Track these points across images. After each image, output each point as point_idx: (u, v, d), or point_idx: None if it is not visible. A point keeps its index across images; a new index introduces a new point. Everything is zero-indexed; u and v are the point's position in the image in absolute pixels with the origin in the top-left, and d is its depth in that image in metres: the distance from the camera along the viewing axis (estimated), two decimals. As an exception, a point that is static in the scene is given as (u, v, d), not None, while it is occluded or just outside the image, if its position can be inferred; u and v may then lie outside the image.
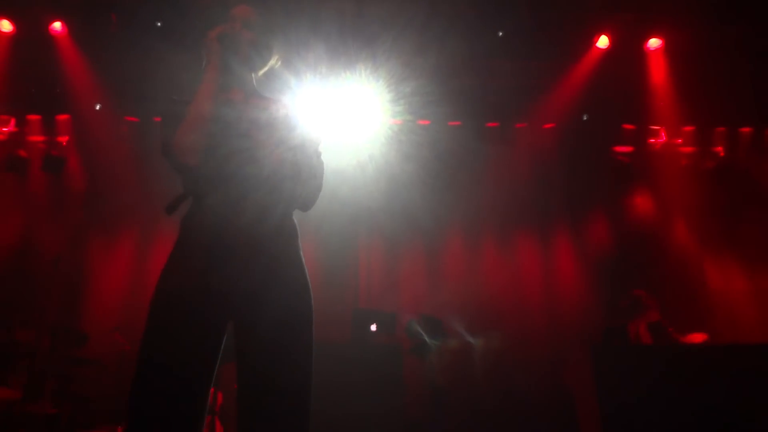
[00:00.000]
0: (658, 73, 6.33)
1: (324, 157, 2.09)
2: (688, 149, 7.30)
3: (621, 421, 3.88)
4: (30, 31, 6.06)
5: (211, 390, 4.87)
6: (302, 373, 1.85)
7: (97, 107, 6.87)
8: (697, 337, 4.92)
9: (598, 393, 3.98)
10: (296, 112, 2.08)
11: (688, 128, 7.14)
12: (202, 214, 1.93)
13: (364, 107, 6.36)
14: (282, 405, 1.79)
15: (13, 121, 7.18)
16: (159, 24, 5.91)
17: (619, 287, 5.77)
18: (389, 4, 5.61)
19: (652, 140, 7.29)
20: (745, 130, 7.21)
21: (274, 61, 2.22)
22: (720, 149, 7.27)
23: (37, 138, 7.19)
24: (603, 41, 6.10)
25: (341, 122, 6.38)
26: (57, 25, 6.04)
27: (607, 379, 4.04)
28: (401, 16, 5.63)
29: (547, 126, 7.24)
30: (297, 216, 2.06)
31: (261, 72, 2.21)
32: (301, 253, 2.01)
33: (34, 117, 7.13)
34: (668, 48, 6.18)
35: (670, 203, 7.18)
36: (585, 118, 7.06)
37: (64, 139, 7.17)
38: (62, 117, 7.13)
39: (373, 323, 5.32)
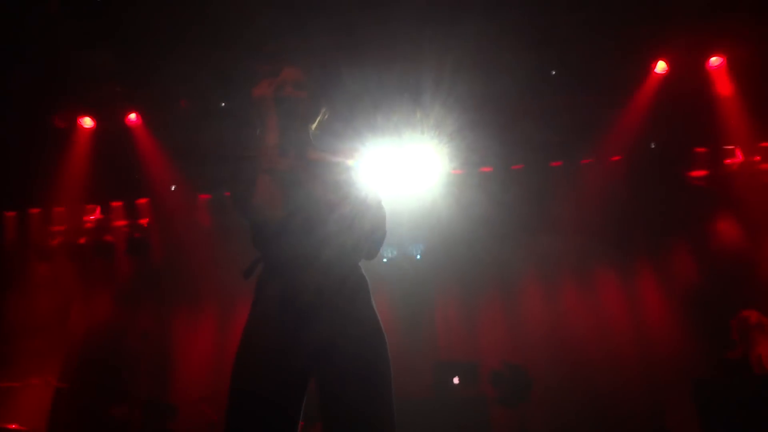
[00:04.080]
0: (725, 91, 6.10)
1: (386, 207, 2.12)
2: (768, 165, 6.92)
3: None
4: (109, 124, 6.52)
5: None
6: (385, 420, 1.84)
7: (173, 188, 7.27)
8: None
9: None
10: (355, 163, 2.13)
11: (765, 143, 6.78)
12: (273, 275, 2.00)
13: (424, 160, 6.42)
14: None
15: (98, 209, 7.68)
16: (223, 104, 6.25)
17: (715, 317, 5.40)
18: (442, 57, 5.71)
19: (728, 161, 6.96)
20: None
21: (322, 115, 2.30)
22: (803, 161, 6.85)
23: (121, 222, 7.65)
24: (661, 66, 5.96)
25: (402, 176, 6.46)
26: (132, 116, 6.47)
27: (715, 418, 3.75)
28: (455, 69, 5.72)
29: (615, 159, 7.06)
30: (368, 272, 2.09)
31: (314, 126, 2.28)
32: (373, 303, 2.03)
33: (116, 203, 7.62)
34: (731, 64, 5.97)
35: (757, 223, 6.77)
36: (653, 146, 6.85)
37: (145, 222, 7.59)
38: (142, 201, 7.58)
39: (455, 375, 5.19)
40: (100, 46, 5.59)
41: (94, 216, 7.70)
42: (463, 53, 5.59)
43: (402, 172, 6.46)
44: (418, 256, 6.47)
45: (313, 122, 2.26)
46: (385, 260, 6.77)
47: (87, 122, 6.51)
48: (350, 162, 2.14)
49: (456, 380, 5.23)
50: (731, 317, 4.91)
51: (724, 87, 6.10)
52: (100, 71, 5.89)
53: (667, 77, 6.03)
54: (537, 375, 5.50)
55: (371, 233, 2.06)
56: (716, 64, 6.02)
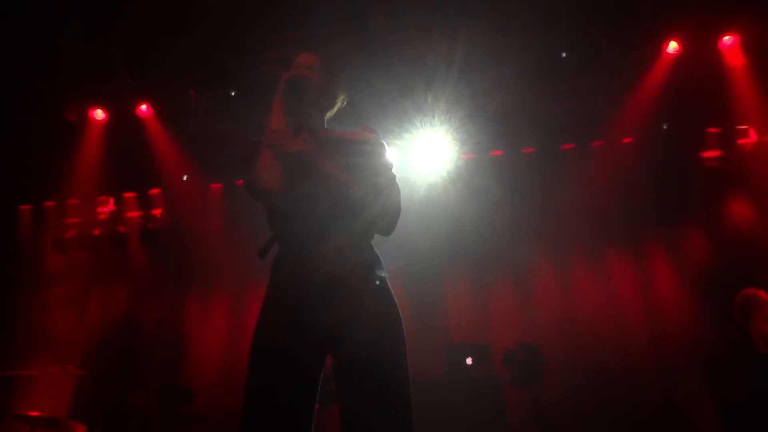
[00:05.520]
0: (738, 71, 6.03)
1: (400, 185, 2.13)
2: (783, 145, 6.84)
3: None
4: (120, 116, 6.56)
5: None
6: (400, 396, 1.85)
7: (185, 178, 7.32)
8: None
9: (718, 409, 3.70)
10: (368, 147, 2.13)
11: (780, 123, 6.71)
12: (288, 255, 2.01)
13: (435, 144, 6.42)
14: (384, 429, 1.79)
15: (111, 201, 7.75)
16: (233, 93, 6.26)
17: (727, 297, 5.38)
18: (452, 42, 5.69)
19: (741, 141, 6.89)
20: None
21: (340, 102, 2.30)
22: (817, 139, 6.76)
23: (134, 213, 7.72)
24: (673, 46, 5.90)
25: (413, 160, 6.46)
26: (143, 107, 6.51)
27: (727, 394, 3.75)
28: (465, 53, 5.70)
29: (626, 140, 7.02)
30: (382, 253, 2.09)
31: (330, 113, 2.29)
32: (388, 281, 2.03)
33: (129, 194, 7.69)
34: (744, 43, 5.90)
35: (770, 203, 6.71)
36: (665, 127, 6.80)
37: (158, 212, 7.66)
38: (154, 191, 7.65)
39: (467, 356, 5.21)
40: (110, 38, 5.62)
41: (107, 207, 7.77)
42: (472, 37, 5.56)
43: (413, 157, 6.46)
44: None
45: (329, 109, 2.27)
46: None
47: (99, 114, 6.55)
48: (364, 145, 2.14)
49: (469, 361, 5.25)
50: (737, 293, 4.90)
51: (737, 66, 6.03)
52: (111, 64, 5.93)
53: (679, 57, 5.96)
54: (550, 355, 5.51)
55: (384, 215, 2.06)
56: (729, 43, 5.94)
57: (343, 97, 2.30)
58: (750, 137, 6.86)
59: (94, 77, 6.12)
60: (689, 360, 5.48)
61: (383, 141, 2.20)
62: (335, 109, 2.30)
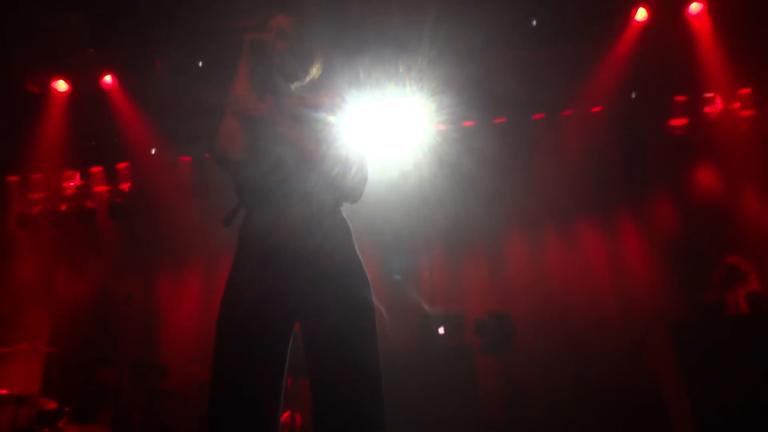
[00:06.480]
0: (704, 38, 6.08)
1: (371, 155, 2.09)
2: (748, 112, 6.94)
3: (710, 399, 3.70)
4: (84, 87, 6.38)
5: (288, 411, 4.94)
6: (369, 362, 1.83)
7: (153, 151, 7.18)
8: None
9: (682, 371, 3.82)
10: (334, 106, 2.05)
11: (744, 91, 6.80)
12: (254, 222, 1.97)
13: (406, 115, 6.39)
14: (354, 397, 1.78)
15: (77, 175, 7.59)
16: (200, 63, 6.13)
17: (694, 264, 5.51)
18: (423, 10, 5.62)
19: (708, 109, 6.98)
20: (806, 83, 6.81)
21: (315, 71, 2.20)
22: (782, 107, 6.88)
23: (102, 188, 7.58)
24: (641, 14, 5.92)
25: (387, 131, 6.42)
26: (107, 78, 6.34)
27: (691, 356, 3.87)
28: (436, 21, 5.64)
29: (596, 109, 7.06)
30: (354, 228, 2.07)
31: (300, 83, 2.17)
32: (357, 248, 2.00)
33: (96, 169, 7.53)
34: (711, 10, 5.94)
35: (736, 171, 6.83)
36: (634, 96, 6.85)
37: (126, 186, 7.52)
38: (122, 165, 7.49)
39: (440, 326, 5.28)
40: (71, 7, 5.44)
41: (73, 182, 7.61)
42: (443, 5, 5.51)
43: (384, 127, 6.42)
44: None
45: (298, 79, 2.15)
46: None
47: (61, 86, 6.36)
48: (331, 112, 2.07)
49: (441, 330, 5.31)
50: (709, 263, 5.04)
51: (704, 33, 6.08)
52: (72, 33, 5.74)
53: (647, 25, 5.99)
54: (520, 323, 5.60)
55: (351, 184, 2.01)
56: (697, 10, 5.98)
57: (317, 66, 2.20)
58: (716, 105, 6.95)
59: (56, 47, 5.92)
60: (656, 325, 5.61)
61: (351, 107, 2.12)
62: (307, 79, 2.18)
